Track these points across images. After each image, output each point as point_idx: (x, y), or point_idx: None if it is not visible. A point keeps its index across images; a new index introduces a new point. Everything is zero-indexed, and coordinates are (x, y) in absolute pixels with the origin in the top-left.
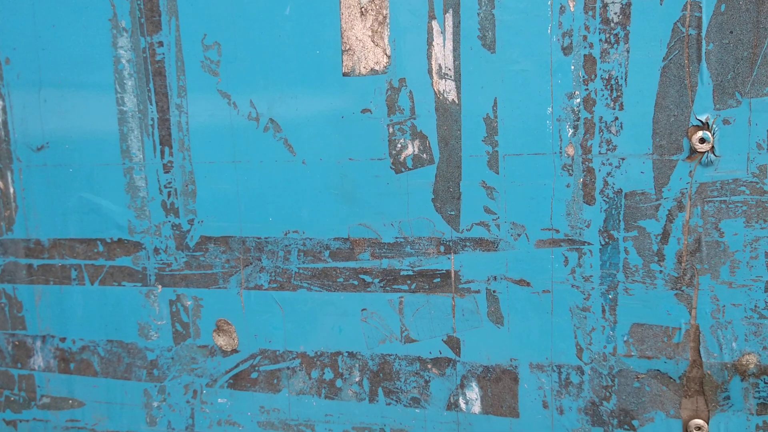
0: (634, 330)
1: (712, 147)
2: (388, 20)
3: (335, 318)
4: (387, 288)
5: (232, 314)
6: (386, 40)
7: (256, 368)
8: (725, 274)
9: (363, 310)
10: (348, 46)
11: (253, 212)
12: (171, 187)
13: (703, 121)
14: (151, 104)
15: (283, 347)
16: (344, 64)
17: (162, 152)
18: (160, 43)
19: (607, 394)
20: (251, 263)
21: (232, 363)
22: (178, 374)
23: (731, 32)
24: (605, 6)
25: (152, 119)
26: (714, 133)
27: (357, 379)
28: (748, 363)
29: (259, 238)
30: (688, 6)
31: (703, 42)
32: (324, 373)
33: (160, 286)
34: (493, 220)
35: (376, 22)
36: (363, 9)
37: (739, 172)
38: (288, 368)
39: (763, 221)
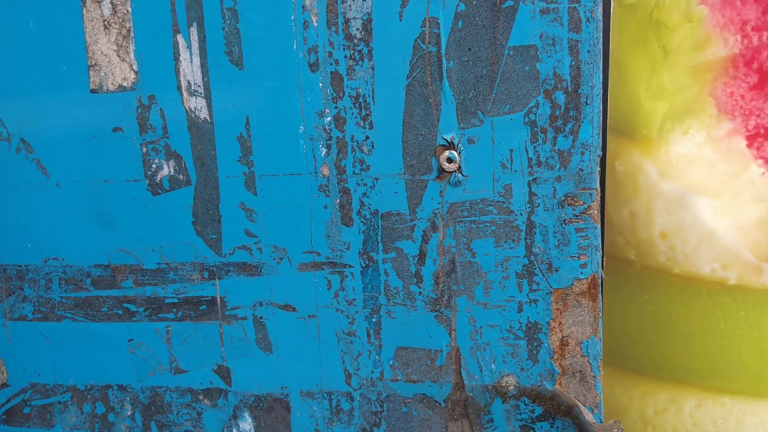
0: (399, 354)
1: (459, 167)
2: (132, 34)
3: (103, 349)
4: (153, 317)
5: None
6: (132, 55)
7: (28, 403)
8: (480, 295)
9: (130, 340)
10: (94, 62)
11: (11, 238)
12: None
13: (449, 140)
14: None
15: (53, 381)
16: (91, 80)
17: None
18: None
19: (377, 420)
20: (14, 293)
21: (4, 398)
22: None
23: (470, 49)
24: (347, 21)
25: None
26: (460, 153)
27: (129, 413)
28: (507, 385)
29: (19, 266)
30: (427, 22)
31: (444, 59)
32: (96, 407)
33: None
34: (254, 243)
35: (120, 36)
36: (106, 22)
37: (486, 192)
38: (60, 402)
39: (512, 241)
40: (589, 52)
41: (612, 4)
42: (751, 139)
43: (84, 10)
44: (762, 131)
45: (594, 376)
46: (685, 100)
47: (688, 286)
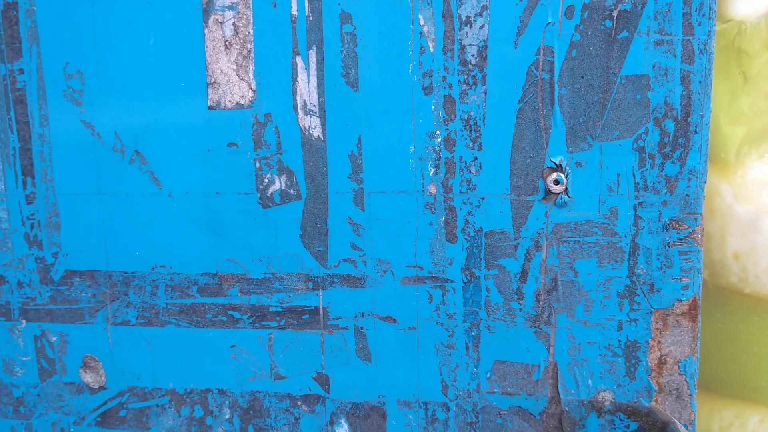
0: (496, 367)
1: (566, 189)
2: (252, 54)
3: (204, 354)
4: (256, 324)
5: (99, 350)
6: (251, 75)
7: (125, 406)
8: (580, 313)
9: (232, 346)
10: (213, 80)
11: (119, 246)
12: (34, 219)
13: (557, 163)
14: (12, 133)
15: (152, 384)
16: (210, 97)
17: (24, 183)
18: (21, 71)
19: (472, 430)
20: (118, 298)
21: (100, 400)
22: (45, 411)
23: (582, 77)
24: (463, 48)
25: (13, 149)
26: (567, 175)
27: (227, 417)
28: (603, 400)
29: (125, 273)
30: (542, 51)
31: (556, 86)
32: (194, 411)
33: (24, 321)
34: (360, 256)
35: (240, 56)
36: (227, 42)
37: (592, 214)
38: (157, 405)
39: (614, 262)
40: (700, 82)
41: None
42: None
43: (206, 30)
44: None
45: (690, 394)
46: (762, 125)
47: (757, 306)
